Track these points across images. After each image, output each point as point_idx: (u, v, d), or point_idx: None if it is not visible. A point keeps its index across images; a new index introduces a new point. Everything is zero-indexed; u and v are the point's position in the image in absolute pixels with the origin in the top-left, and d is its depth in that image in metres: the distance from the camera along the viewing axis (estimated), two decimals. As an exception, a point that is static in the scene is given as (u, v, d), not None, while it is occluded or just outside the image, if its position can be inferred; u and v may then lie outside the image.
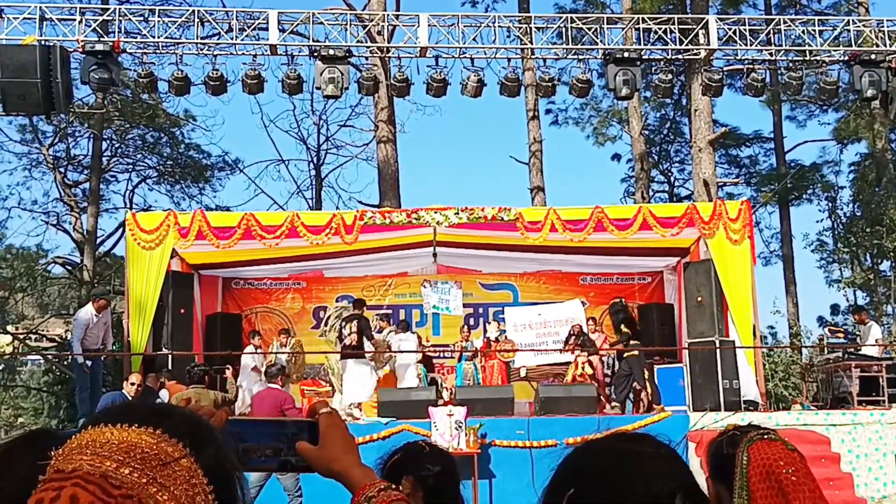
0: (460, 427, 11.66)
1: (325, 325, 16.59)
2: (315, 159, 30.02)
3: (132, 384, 11.22)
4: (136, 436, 1.06)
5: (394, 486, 1.56)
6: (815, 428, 12.17)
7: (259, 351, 15.04)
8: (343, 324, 14.33)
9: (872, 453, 12.20)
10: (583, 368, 14.83)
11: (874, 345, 14.42)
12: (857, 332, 15.66)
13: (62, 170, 27.35)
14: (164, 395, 11.75)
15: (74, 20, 13.64)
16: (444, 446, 11.31)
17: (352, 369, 14.10)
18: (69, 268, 28.22)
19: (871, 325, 14.74)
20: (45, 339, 27.43)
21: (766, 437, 2.57)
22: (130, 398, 10.96)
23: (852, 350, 14.29)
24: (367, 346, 14.28)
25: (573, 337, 15.22)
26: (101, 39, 13.55)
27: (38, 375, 28.63)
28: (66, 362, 22.48)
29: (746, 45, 14.69)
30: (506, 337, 15.75)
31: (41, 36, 13.38)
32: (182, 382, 12.06)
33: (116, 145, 28.15)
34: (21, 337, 26.38)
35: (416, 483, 2.73)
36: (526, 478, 11.58)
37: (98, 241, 26.53)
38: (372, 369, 14.26)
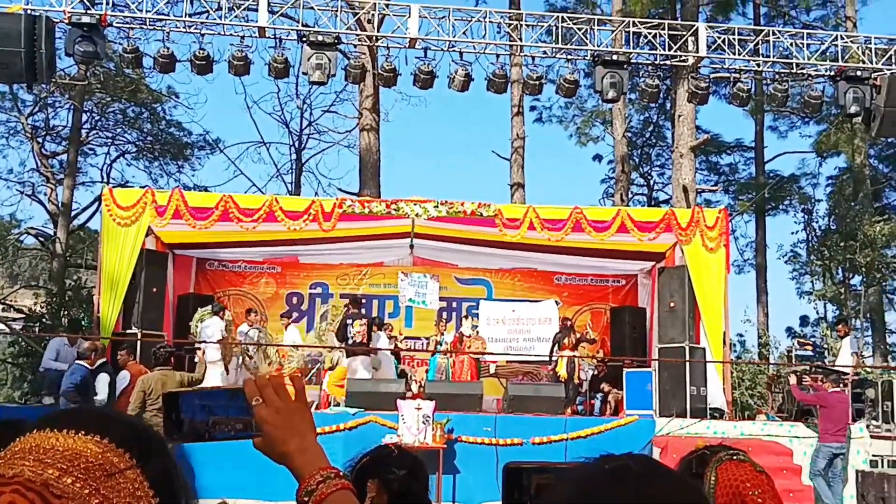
0: (427, 421, 11.66)
1: (323, 320, 16.43)
2: (296, 143, 29.87)
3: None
4: (82, 444, 1.03)
5: (340, 474, 1.49)
6: (779, 439, 12.27)
7: (255, 327, 14.69)
8: (350, 321, 14.26)
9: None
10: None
11: (849, 358, 14.52)
12: (827, 345, 15.80)
13: (40, 140, 27.07)
14: (123, 375, 11.59)
15: (61, -10, 13.48)
16: (411, 440, 11.35)
17: (358, 367, 14.13)
18: (42, 239, 27.99)
19: (846, 340, 14.85)
20: (12, 309, 27.21)
21: (735, 457, 2.57)
22: (88, 367, 10.87)
23: (820, 364, 14.42)
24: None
25: (569, 333, 15.20)
26: (88, 12, 13.39)
27: (4, 346, 28.37)
28: (31, 335, 22.30)
29: (734, 54, 14.76)
30: (477, 333, 15.77)
31: (27, 5, 13.21)
32: (147, 363, 11.94)
33: (96, 118, 27.91)
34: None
35: (382, 486, 2.74)
36: (490, 475, 11.60)
37: (73, 213, 26.30)
38: (368, 366, 14.30)
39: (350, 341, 14.05)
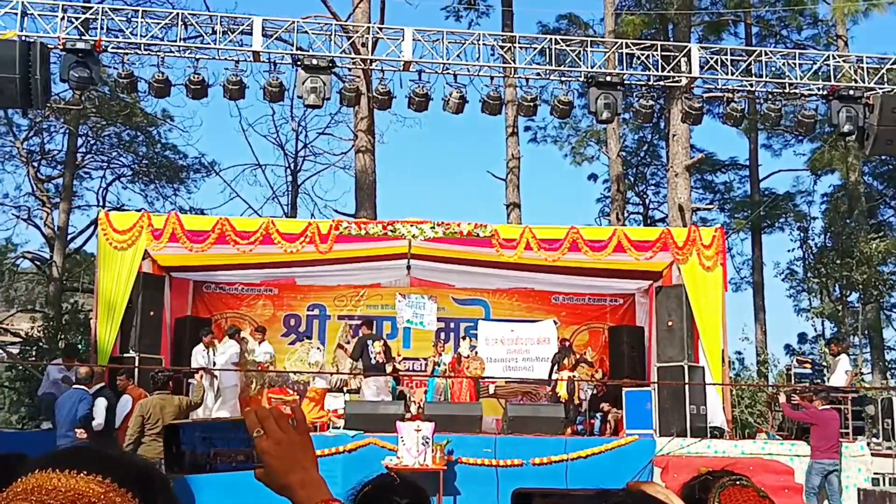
0: (427, 443, 11.62)
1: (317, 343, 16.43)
2: (292, 165, 29.90)
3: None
4: (84, 484, 1.03)
5: None
6: (780, 458, 12.24)
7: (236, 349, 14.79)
8: (370, 342, 14.47)
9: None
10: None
11: (843, 376, 14.54)
12: (825, 363, 15.81)
13: (35, 164, 27.09)
14: (126, 400, 11.56)
15: (56, 16, 13.52)
16: (411, 462, 11.31)
17: (371, 386, 14.41)
18: (38, 263, 27.95)
19: (840, 357, 14.90)
20: (9, 333, 27.13)
21: (738, 483, 2.57)
22: (87, 391, 10.80)
23: (819, 382, 14.42)
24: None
25: (568, 354, 15.20)
26: (83, 38, 13.44)
27: (1, 370, 28.27)
28: (29, 358, 22.22)
29: (727, 74, 14.82)
30: (476, 353, 15.75)
31: (22, 31, 13.24)
32: (145, 387, 11.91)
33: (92, 142, 27.94)
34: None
35: (384, 516, 2.71)
36: (491, 496, 11.58)
37: (69, 237, 26.28)
38: (385, 389, 14.62)
39: (373, 361, 14.32)
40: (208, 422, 1.53)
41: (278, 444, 1.48)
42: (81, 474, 1.04)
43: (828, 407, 12.41)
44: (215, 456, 1.47)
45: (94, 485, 1.04)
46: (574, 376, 14.81)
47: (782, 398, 13.49)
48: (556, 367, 15.00)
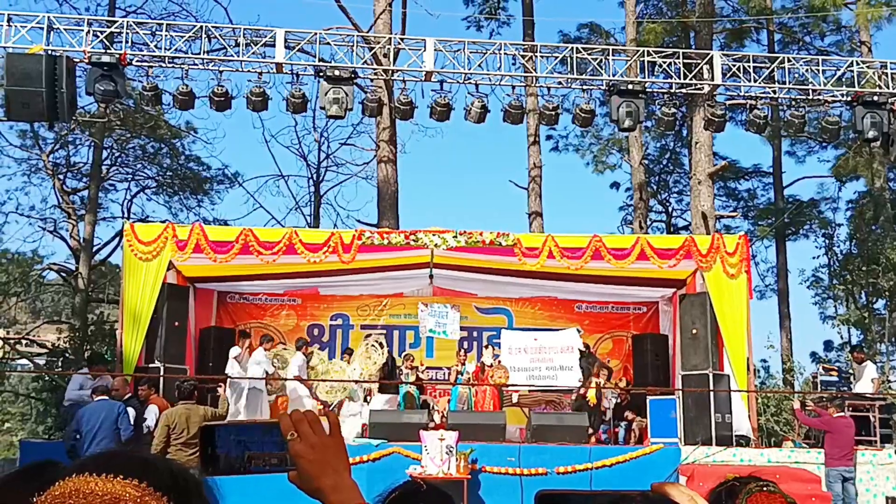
0: (451, 452, 11.61)
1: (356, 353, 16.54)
2: (315, 176, 30.01)
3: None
4: (121, 488, 1.05)
5: None
6: (807, 466, 12.14)
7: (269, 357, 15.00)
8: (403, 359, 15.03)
9: (863, 494, 12.18)
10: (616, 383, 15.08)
11: (869, 384, 14.43)
12: (852, 371, 15.70)
13: (61, 176, 27.31)
14: (152, 409, 11.63)
15: (82, 31, 13.68)
16: (435, 471, 11.31)
17: (383, 403, 14.71)
18: (64, 275, 28.17)
19: (866, 364, 14.80)
20: (35, 344, 27.35)
21: (765, 488, 2.56)
22: (121, 404, 10.86)
23: (845, 390, 14.32)
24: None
25: (595, 361, 15.23)
26: (108, 51, 13.58)
27: (27, 380, 28.52)
28: (56, 369, 22.41)
29: (750, 81, 14.76)
30: (499, 362, 15.72)
31: (48, 45, 13.41)
32: (170, 397, 11.98)
33: (116, 154, 28.15)
34: (11, 342, 26.29)
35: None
36: (515, 505, 11.55)
37: (94, 249, 26.48)
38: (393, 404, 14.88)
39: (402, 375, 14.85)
40: (243, 424, 1.56)
41: (312, 447, 1.50)
42: (118, 478, 1.06)
43: (842, 414, 12.35)
44: (249, 459, 1.50)
45: (130, 488, 1.05)
46: (600, 383, 14.79)
47: (796, 404, 13.49)
48: (587, 374, 15.03)
